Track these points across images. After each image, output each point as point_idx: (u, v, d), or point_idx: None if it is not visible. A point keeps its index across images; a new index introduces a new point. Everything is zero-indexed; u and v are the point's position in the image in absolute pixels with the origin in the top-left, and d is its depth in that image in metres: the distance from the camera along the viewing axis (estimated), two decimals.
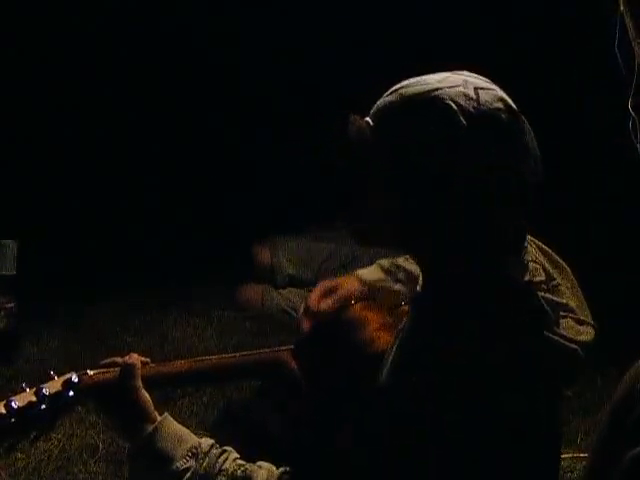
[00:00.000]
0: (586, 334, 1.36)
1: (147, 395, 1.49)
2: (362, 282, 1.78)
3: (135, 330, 4.19)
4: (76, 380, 1.50)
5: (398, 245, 1.45)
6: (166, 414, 1.49)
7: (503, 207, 1.32)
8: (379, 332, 1.59)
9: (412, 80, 1.39)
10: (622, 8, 2.75)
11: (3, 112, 4.93)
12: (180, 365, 1.65)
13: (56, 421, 1.50)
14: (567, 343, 1.30)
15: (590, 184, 4.69)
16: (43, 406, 1.46)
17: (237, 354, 1.70)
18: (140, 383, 1.50)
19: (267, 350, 1.72)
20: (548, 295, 1.34)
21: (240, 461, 1.43)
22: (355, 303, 1.69)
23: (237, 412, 1.87)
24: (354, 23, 5.21)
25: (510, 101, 1.36)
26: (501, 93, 1.36)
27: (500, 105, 1.33)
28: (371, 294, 1.76)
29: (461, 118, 1.30)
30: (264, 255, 4.65)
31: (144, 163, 5.27)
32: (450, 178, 1.30)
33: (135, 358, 1.54)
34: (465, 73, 1.38)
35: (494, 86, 1.37)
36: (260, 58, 5.44)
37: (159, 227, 5.03)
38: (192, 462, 1.42)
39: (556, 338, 1.29)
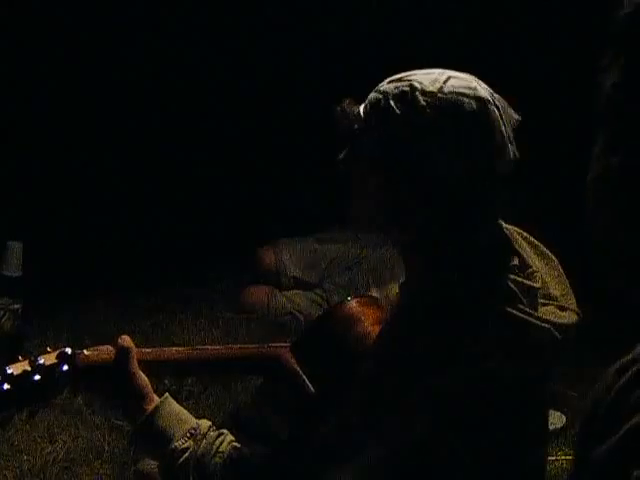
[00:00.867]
0: (566, 318, 1.38)
1: (144, 376, 1.50)
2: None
3: (141, 332, 4.18)
4: (70, 353, 1.50)
5: (384, 230, 1.50)
6: (167, 394, 1.51)
7: (470, 189, 1.37)
8: (374, 327, 1.60)
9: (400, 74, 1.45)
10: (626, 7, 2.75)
11: (8, 115, 4.93)
12: (177, 352, 1.65)
13: (50, 396, 1.50)
14: (535, 321, 1.31)
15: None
16: (37, 376, 1.47)
17: (236, 346, 1.71)
18: (136, 365, 1.50)
19: (266, 345, 1.73)
20: (520, 279, 1.35)
21: (235, 444, 1.46)
22: (351, 300, 1.70)
23: (243, 416, 1.88)
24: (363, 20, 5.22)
25: (483, 91, 1.39)
26: (475, 84, 1.39)
27: (466, 91, 1.37)
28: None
29: (419, 96, 1.36)
30: (269, 257, 4.65)
31: (149, 165, 5.27)
32: (411, 159, 1.36)
33: (128, 342, 1.54)
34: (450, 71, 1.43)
35: (472, 80, 1.41)
36: (260, 58, 5.44)
37: (165, 229, 5.03)
38: (190, 442, 1.45)
39: (521, 315, 1.30)
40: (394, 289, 1.79)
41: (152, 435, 1.48)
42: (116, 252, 4.80)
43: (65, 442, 3.14)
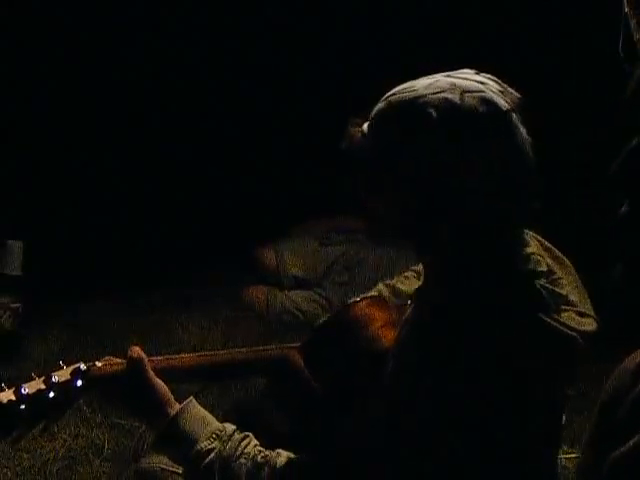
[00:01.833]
0: (587, 325, 1.38)
1: (162, 383, 1.51)
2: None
3: (141, 331, 4.19)
4: (84, 369, 1.51)
5: (402, 242, 1.49)
6: (191, 397, 1.52)
7: (491, 204, 1.36)
8: (384, 329, 1.60)
9: (402, 86, 1.43)
10: (626, 9, 2.75)
11: (8, 115, 4.94)
12: (187, 359, 1.66)
13: (65, 411, 1.52)
14: (566, 330, 1.32)
15: (592, 187, 4.69)
16: (52, 394, 1.48)
17: (244, 349, 1.71)
18: (152, 373, 1.51)
19: (274, 347, 1.73)
20: (549, 285, 1.36)
21: (260, 447, 1.46)
22: (361, 300, 1.70)
23: (244, 412, 1.88)
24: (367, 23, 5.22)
25: (499, 101, 1.38)
26: (491, 94, 1.38)
27: (485, 109, 1.36)
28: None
29: (441, 127, 1.34)
30: (269, 257, 4.66)
31: (149, 165, 5.27)
32: (430, 186, 1.35)
33: (139, 352, 1.56)
34: (459, 74, 1.42)
35: (485, 87, 1.39)
36: (260, 58, 5.45)
37: (165, 228, 5.03)
38: (216, 443, 1.45)
39: (554, 324, 1.31)
40: (399, 282, 1.79)
41: (176, 438, 1.48)
42: (116, 251, 4.80)
43: (65, 440, 3.14)
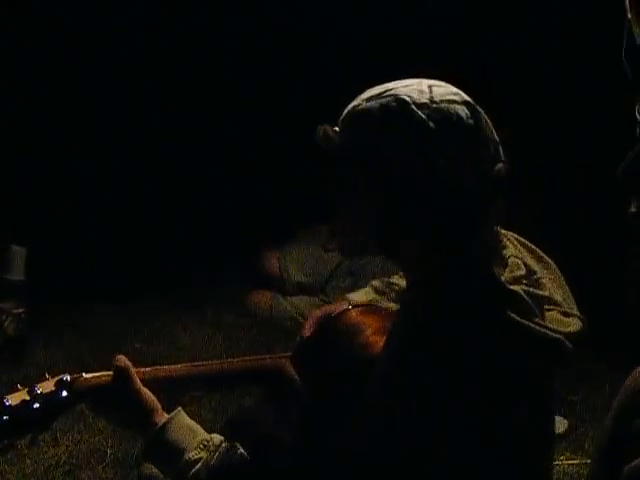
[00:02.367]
0: (572, 325, 1.38)
1: (149, 393, 1.51)
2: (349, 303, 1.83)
3: (144, 336, 4.20)
4: (68, 379, 1.51)
5: (379, 252, 1.49)
6: (179, 408, 1.51)
7: (464, 195, 1.36)
8: (375, 336, 1.60)
9: (373, 87, 1.45)
10: (629, 15, 2.75)
11: (13, 121, 4.94)
12: (177, 370, 1.66)
13: (50, 422, 1.51)
14: (549, 332, 1.32)
15: (595, 190, 4.70)
16: (36, 405, 1.47)
17: (236, 360, 1.71)
18: (138, 382, 1.51)
19: (267, 356, 1.73)
20: (530, 288, 1.36)
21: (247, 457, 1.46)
22: (352, 308, 1.70)
23: (244, 418, 1.88)
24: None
25: (465, 95, 1.41)
26: (455, 89, 1.41)
27: (454, 97, 1.38)
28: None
29: (415, 109, 1.35)
30: (273, 262, 4.66)
31: (152, 167, 5.27)
32: (410, 173, 1.35)
33: (125, 361, 1.54)
34: (421, 78, 1.44)
35: (447, 84, 1.42)
36: (260, 58, 5.45)
37: (168, 232, 5.04)
38: (203, 453, 1.44)
39: (537, 327, 1.31)
40: (396, 277, 1.79)
41: (163, 449, 1.47)
42: (118, 255, 4.81)
43: (68, 446, 3.14)
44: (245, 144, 5.39)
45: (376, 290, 1.87)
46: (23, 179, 4.94)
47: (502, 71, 4.84)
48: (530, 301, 1.34)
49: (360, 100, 1.43)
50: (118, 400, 1.50)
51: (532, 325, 1.31)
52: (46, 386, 1.51)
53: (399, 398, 1.31)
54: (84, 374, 1.55)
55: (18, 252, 3.87)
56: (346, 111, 1.45)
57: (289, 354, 1.71)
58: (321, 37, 5.31)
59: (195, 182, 5.31)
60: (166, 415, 1.50)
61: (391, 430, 1.30)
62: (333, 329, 1.67)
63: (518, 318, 1.30)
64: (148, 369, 1.60)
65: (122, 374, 1.51)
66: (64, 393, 1.50)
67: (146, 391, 1.51)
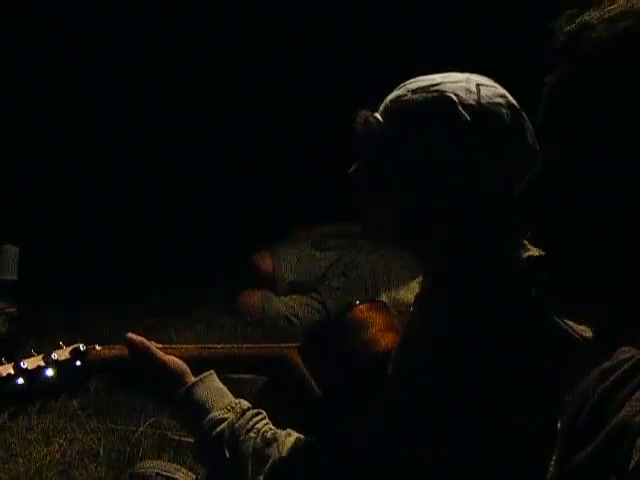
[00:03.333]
0: (586, 331, 1.38)
1: (175, 358, 1.50)
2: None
3: (143, 336, 4.19)
4: (83, 349, 1.51)
5: (401, 242, 1.47)
6: (212, 371, 1.50)
7: (501, 204, 1.35)
8: (383, 332, 1.60)
9: (419, 77, 1.41)
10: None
11: (13, 121, 4.95)
12: (187, 350, 1.64)
13: (62, 390, 1.51)
14: (574, 332, 1.31)
15: None
16: (51, 370, 1.47)
17: (244, 345, 1.70)
18: (159, 351, 1.49)
19: (274, 345, 1.72)
20: None
21: (272, 425, 1.45)
22: (360, 304, 1.70)
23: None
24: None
25: (511, 98, 1.38)
26: (502, 91, 1.38)
27: (501, 100, 1.36)
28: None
29: (461, 110, 1.33)
30: (265, 262, 4.66)
31: (148, 168, 5.28)
32: (449, 174, 1.33)
33: (136, 336, 1.52)
34: (470, 74, 1.41)
35: (496, 84, 1.39)
36: (260, 59, 5.45)
37: (161, 233, 5.04)
38: (229, 415, 1.44)
39: (563, 325, 1.30)
40: (402, 293, 1.79)
41: (191, 406, 1.46)
42: (113, 256, 4.81)
43: (61, 445, 3.14)
44: (243, 145, 5.40)
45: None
46: (23, 179, 4.95)
47: (510, 78, 4.84)
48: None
49: (406, 91, 1.40)
50: (143, 370, 1.50)
51: (559, 322, 1.30)
52: (61, 354, 1.51)
53: (422, 399, 1.29)
54: (97, 346, 1.54)
55: (11, 251, 3.87)
56: (390, 100, 1.42)
57: (297, 344, 1.71)
58: (321, 37, 5.32)
59: (194, 183, 5.32)
60: (195, 377, 1.49)
61: (414, 430, 1.29)
62: (341, 322, 1.66)
63: (557, 319, 1.30)
64: (159, 346, 1.60)
65: (138, 346, 1.51)
66: (78, 362, 1.51)
67: (171, 357, 1.51)
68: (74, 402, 3.41)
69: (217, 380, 1.50)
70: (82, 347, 1.52)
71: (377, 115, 1.42)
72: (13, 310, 3.82)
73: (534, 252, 1.41)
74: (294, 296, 4.53)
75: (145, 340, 1.52)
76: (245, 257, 4.73)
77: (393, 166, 1.38)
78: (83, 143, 5.26)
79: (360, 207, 1.46)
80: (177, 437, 3.07)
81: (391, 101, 1.41)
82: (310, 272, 4.54)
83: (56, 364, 1.49)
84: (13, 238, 3.92)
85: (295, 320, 4.39)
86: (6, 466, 3.00)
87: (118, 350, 1.53)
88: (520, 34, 4.90)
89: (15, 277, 3.86)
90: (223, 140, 5.41)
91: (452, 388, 1.27)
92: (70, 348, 1.52)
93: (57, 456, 3.09)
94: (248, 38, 5.46)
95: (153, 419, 3.18)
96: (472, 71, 1.43)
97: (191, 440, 2.98)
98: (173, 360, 1.50)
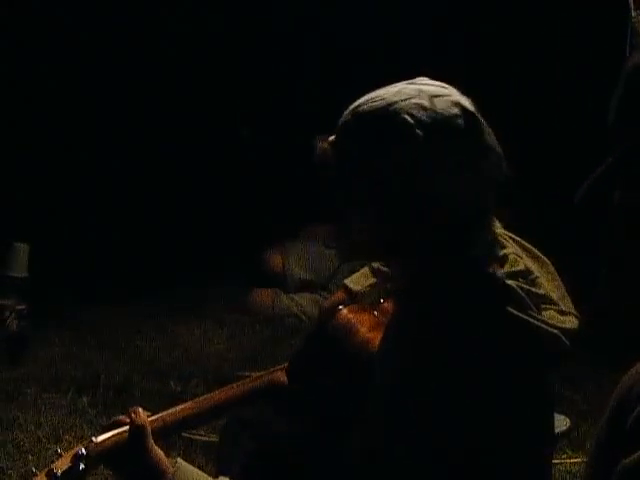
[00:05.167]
0: (569, 322, 1.38)
1: (159, 450, 1.50)
2: (349, 291, 1.83)
3: (145, 334, 4.20)
4: (84, 452, 1.49)
5: (377, 259, 1.48)
6: (179, 461, 1.51)
7: (467, 207, 1.36)
8: (373, 332, 1.60)
9: (369, 96, 1.42)
10: (633, 14, 2.76)
11: (16, 120, 4.95)
12: (183, 410, 1.65)
13: None
14: (547, 327, 1.32)
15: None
16: None
17: (234, 385, 1.71)
18: (152, 441, 1.50)
19: (262, 373, 1.73)
20: (525, 285, 1.37)
21: None
22: (342, 308, 1.69)
23: (245, 420, 1.88)
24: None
25: (466, 103, 1.39)
26: (457, 97, 1.39)
27: (456, 110, 1.37)
28: (353, 298, 1.79)
29: (418, 131, 1.34)
30: (275, 260, 4.67)
31: (152, 166, 5.28)
32: (412, 191, 1.34)
33: (142, 418, 1.52)
34: (420, 80, 1.43)
35: (449, 90, 1.40)
36: (260, 58, 5.45)
37: (172, 230, 5.04)
38: None
39: (535, 322, 1.31)
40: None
41: None
42: (120, 253, 4.81)
43: (70, 442, 3.13)
44: (245, 144, 5.40)
45: (373, 271, 1.86)
46: (24, 178, 4.95)
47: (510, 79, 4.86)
48: (525, 297, 1.34)
49: (357, 111, 1.41)
50: (132, 460, 1.50)
51: (530, 320, 1.31)
52: (62, 463, 1.50)
53: (401, 401, 1.31)
54: (94, 438, 1.53)
55: (21, 248, 3.87)
56: (342, 121, 1.43)
57: (284, 366, 1.71)
58: (322, 38, 5.32)
59: (195, 182, 5.32)
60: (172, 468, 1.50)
61: (394, 433, 1.30)
62: (327, 332, 1.66)
63: (517, 312, 1.30)
64: (155, 418, 1.59)
65: (139, 433, 1.50)
66: (82, 466, 1.49)
67: (157, 450, 1.50)
68: (84, 399, 3.42)
69: (188, 468, 1.50)
70: (82, 451, 1.50)
71: (331, 138, 1.44)
72: (23, 307, 3.82)
73: (511, 249, 1.42)
74: (304, 294, 4.53)
75: (145, 425, 1.51)
76: (256, 255, 4.73)
77: (354, 187, 1.39)
78: (83, 143, 5.27)
79: (337, 226, 1.47)
80: (187, 435, 3.07)
81: (343, 123, 1.42)
82: (320, 270, 4.54)
83: (62, 477, 1.47)
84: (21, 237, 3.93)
85: (304, 318, 4.39)
86: (16, 463, 3.00)
87: (118, 438, 1.51)
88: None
89: (25, 274, 3.87)
90: (225, 140, 5.42)
91: (434, 387, 1.28)
92: (70, 455, 1.51)
93: None
94: (248, 38, 5.46)
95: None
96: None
97: (202, 438, 3.02)
98: (157, 458, 1.50)
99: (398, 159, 1.34)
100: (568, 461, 3.07)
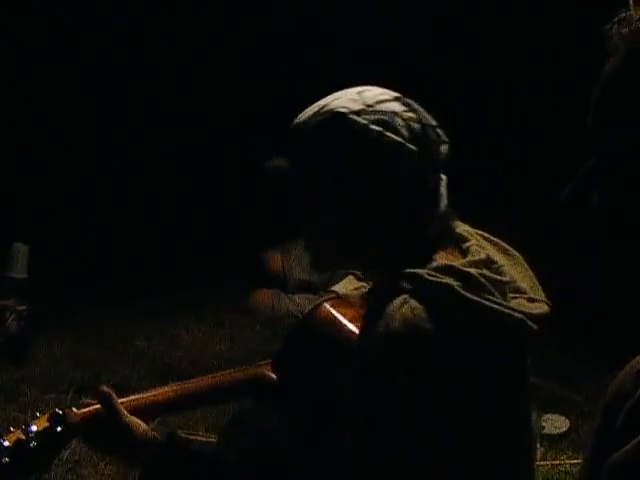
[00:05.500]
0: (538, 308, 1.39)
1: (141, 423, 1.50)
2: (337, 295, 1.84)
3: (145, 334, 4.20)
4: (61, 413, 1.49)
5: (350, 265, 1.54)
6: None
7: (416, 183, 1.39)
8: (355, 324, 1.60)
9: (308, 108, 1.45)
10: (632, 9, 2.75)
11: (16, 120, 4.95)
12: (164, 393, 1.65)
13: (51, 458, 1.50)
14: (510, 311, 1.32)
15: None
16: (33, 443, 1.46)
17: (218, 374, 1.71)
18: (122, 409, 1.49)
19: (246, 367, 1.73)
20: (486, 271, 1.37)
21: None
22: (325, 303, 1.70)
23: (240, 421, 1.88)
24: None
25: (392, 92, 1.43)
26: (381, 89, 1.43)
27: (384, 97, 1.41)
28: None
29: (355, 117, 1.37)
30: (276, 260, 4.67)
31: (151, 167, 5.28)
32: (363, 179, 1.38)
33: (107, 389, 1.52)
34: (360, 88, 1.45)
35: (374, 87, 1.44)
36: (260, 59, 5.46)
37: (168, 234, 5.04)
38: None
39: (497, 307, 1.31)
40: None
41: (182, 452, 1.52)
42: (120, 254, 4.82)
43: (70, 443, 3.14)
44: (245, 144, 5.41)
45: (358, 277, 1.87)
46: (24, 178, 4.95)
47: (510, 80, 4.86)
48: (487, 283, 1.34)
49: (298, 124, 1.44)
50: (111, 425, 1.50)
51: (487, 303, 1.31)
52: (40, 423, 1.49)
53: (372, 404, 1.31)
54: (74, 409, 1.53)
55: (21, 249, 3.87)
56: (288, 137, 1.46)
57: (269, 361, 1.71)
58: (322, 38, 5.33)
59: (195, 182, 5.32)
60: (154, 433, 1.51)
61: (381, 433, 1.30)
62: (311, 325, 1.66)
63: (474, 297, 1.31)
64: (133, 398, 1.58)
65: (107, 397, 1.49)
66: (59, 428, 1.49)
67: (132, 418, 1.51)
68: (84, 399, 3.42)
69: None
70: (59, 412, 1.50)
71: (281, 158, 1.47)
72: (23, 308, 3.82)
73: (473, 242, 1.43)
74: (304, 294, 4.53)
75: (109, 393, 1.50)
76: (256, 255, 4.73)
77: (311, 194, 1.42)
78: (84, 143, 5.27)
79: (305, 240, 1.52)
80: (185, 436, 3.07)
81: (289, 138, 1.46)
82: None
83: (38, 434, 1.47)
84: (24, 237, 3.93)
85: None
86: None
87: (93, 407, 1.52)
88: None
89: (25, 275, 3.86)
90: (225, 140, 5.42)
91: (404, 374, 1.28)
92: (47, 415, 1.51)
93: (66, 454, 3.09)
94: (249, 38, 5.47)
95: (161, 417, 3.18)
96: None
97: (201, 438, 3.02)
98: (136, 422, 1.50)
99: (345, 151, 1.38)
100: (568, 462, 3.08)
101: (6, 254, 3.88)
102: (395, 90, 1.45)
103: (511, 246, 1.52)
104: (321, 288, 4.53)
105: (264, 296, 4.57)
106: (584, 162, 0.89)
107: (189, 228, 5.09)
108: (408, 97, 1.43)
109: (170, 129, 5.38)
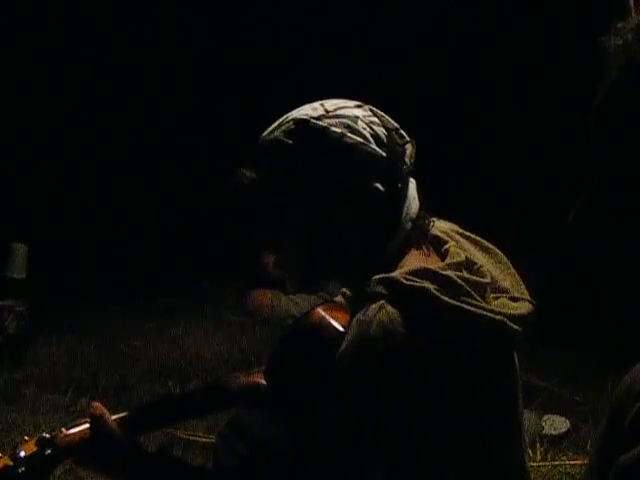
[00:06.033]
0: (521, 308, 1.38)
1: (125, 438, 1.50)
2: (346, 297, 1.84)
3: (144, 335, 4.20)
4: (48, 437, 1.48)
5: (327, 277, 1.52)
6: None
7: (385, 184, 1.39)
8: (346, 328, 1.60)
9: (272, 123, 1.47)
10: (633, 15, 2.75)
11: (16, 120, 4.95)
12: (154, 405, 1.64)
13: None
14: (488, 314, 1.31)
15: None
16: (22, 469, 1.44)
17: (211, 384, 1.70)
18: (112, 428, 1.48)
19: (239, 374, 1.72)
20: (465, 274, 1.37)
21: None
22: (316, 307, 1.69)
23: (237, 424, 1.88)
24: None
25: (352, 101, 1.44)
26: (344, 99, 1.44)
27: (345, 104, 1.42)
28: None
29: (316, 122, 1.39)
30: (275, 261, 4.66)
31: (152, 167, 5.28)
32: (329, 182, 1.39)
33: (100, 408, 1.51)
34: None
35: (337, 99, 1.45)
36: (260, 59, 5.46)
37: (170, 232, 5.04)
38: None
39: (476, 310, 1.30)
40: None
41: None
42: (120, 255, 4.81)
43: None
44: (245, 144, 5.40)
45: (345, 297, 1.87)
46: (24, 178, 4.95)
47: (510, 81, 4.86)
48: (465, 285, 1.33)
49: (264, 136, 1.45)
50: (100, 446, 1.49)
51: (465, 306, 1.30)
52: (28, 448, 1.48)
53: (350, 409, 1.32)
54: (63, 429, 1.52)
55: (20, 249, 3.87)
56: (256, 150, 1.47)
57: (262, 368, 1.71)
58: (322, 38, 5.33)
59: (195, 182, 5.32)
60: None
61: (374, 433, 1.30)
62: (303, 329, 1.65)
63: (454, 301, 1.30)
64: (123, 415, 1.57)
65: (99, 419, 1.48)
66: (48, 451, 1.48)
67: (123, 438, 1.50)
68: (83, 399, 3.42)
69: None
70: (47, 435, 1.49)
71: (249, 171, 1.48)
72: (22, 308, 3.81)
73: (451, 242, 1.42)
74: (303, 295, 4.52)
75: (103, 414, 1.49)
76: (255, 256, 4.73)
77: (279, 202, 1.43)
78: (84, 143, 5.27)
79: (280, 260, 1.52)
80: (186, 436, 3.07)
81: (256, 151, 1.47)
82: None
83: (25, 460, 1.46)
84: (23, 237, 3.92)
85: None
86: None
87: (83, 427, 1.51)
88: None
89: (24, 275, 3.86)
90: (224, 140, 5.42)
91: (386, 377, 1.28)
92: (35, 439, 1.49)
93: None
94: (249, 38, 5.47)
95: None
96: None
97: (201, 439, 3.02)
98: (125, 440, 1.49)
99: (309, 153, 1.39)
100: (568, 463, 3.07)
101: (5, 254, 3.88)
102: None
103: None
104: (321, 289, 4.54)
105: (263, 297, 4.57)
106: (584, 163, 0.89)
107: (189, 228, 5.08)
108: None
109: (171, 129, 5.38)
